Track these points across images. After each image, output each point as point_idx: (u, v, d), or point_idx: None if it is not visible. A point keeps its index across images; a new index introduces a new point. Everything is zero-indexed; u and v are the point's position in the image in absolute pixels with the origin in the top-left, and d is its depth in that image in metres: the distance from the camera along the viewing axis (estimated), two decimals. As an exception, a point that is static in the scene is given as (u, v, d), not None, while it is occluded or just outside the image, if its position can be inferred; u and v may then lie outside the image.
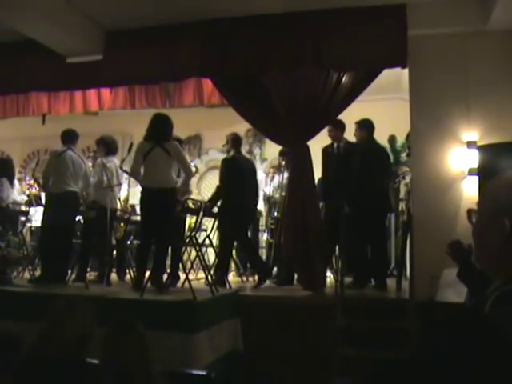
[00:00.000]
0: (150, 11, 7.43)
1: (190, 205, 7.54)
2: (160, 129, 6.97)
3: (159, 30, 7.73)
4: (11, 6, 7.00)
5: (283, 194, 8.19)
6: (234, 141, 8.16)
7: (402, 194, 9.52)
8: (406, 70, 7.10)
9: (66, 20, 7.49)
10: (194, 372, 3.71)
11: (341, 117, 7.60)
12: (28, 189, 11.41)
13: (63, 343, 3.35)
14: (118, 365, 3.12)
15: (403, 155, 10.31)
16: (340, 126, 7.98)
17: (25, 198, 9.73)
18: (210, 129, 11.94)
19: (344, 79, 7.35)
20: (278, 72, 7.55)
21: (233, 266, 9.16)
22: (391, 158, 10.53)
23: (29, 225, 9.92)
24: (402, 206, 9.37)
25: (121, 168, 7.64)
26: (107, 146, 8.02)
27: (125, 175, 8.11)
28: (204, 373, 3.87)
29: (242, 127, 10.52)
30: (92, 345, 3.48)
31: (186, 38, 7.71)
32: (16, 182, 9.88)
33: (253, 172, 8.31)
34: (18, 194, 9.72)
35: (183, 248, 7.55)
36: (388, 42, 6.87)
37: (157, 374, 3.25)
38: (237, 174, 7.93)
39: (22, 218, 9.26)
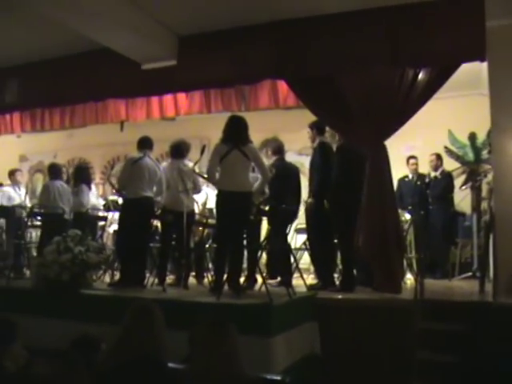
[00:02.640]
0: (222, 14, 7.44)
1: (264, 207, 7.49)
2: (237, 131, 6.89)
3: (232, 33, 7.74)
4: (87, 16, 7.16)
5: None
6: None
7: (484, 193, 9.22)
8: (485, 64, 6.86)
9: (139, 27, 7.59)
10: (268, 376, 3.64)
11: (418, 114, 7.37)
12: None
13: (140, 346, 3.37)
14: (206, 369, 3.10)
15: (484, 153, 10.03)
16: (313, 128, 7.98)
17: (102, 202, 9.95)
18: (286, 131, 11.86)
19: (420, 76, 7.15)
20: (354, 71, 7.43)
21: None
22: (471, 155, 10.29)
23: (110, 230, 10.14)
24: (484, 205, 9.07)
25: (193, 171, 7.67)
26: (180, 149, 8.08)
27: (201, 179, 8.14)
28: (279, 377, 3.82)
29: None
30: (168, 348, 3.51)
31: (260, 40, 7.70)
32: (93, 187, 10.14)
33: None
34: (96, 198, 9.96)
35: (260, 251, 7.52)
36: (465, 34, 6.61)
37: (243, 377, 3.21)
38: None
39: (101, 223, 9.46)
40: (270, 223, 7.78)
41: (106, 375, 3.25)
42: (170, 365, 3.51)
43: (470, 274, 8.65)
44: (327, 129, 7.98)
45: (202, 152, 7.44)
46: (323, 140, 7.93)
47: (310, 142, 8.15)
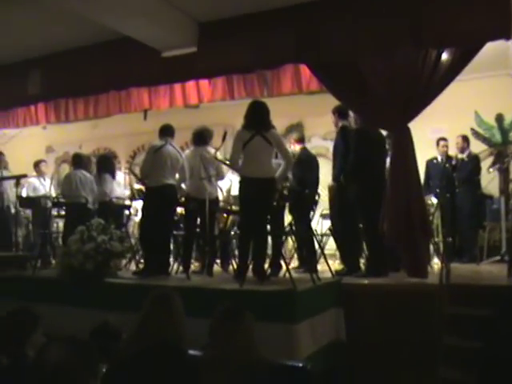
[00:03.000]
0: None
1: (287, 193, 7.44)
2: (259, 117, 6.83)
3: (252, 18, 7.67)
4: (107, 6, 7.16)
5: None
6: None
7: (512, 175, 9.09)
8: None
9: (159, 15, 7.57)
10: (289, 363, 3.61)
11: (443, 96, 7.23)
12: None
13: (160, 333, 3.36)
14: (223, 354, 3.08)
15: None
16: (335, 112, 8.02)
17: (127, 192, 9.98)
18: (311, 116, 11.79)
19: (443, 57, 7.01)
20: (375, 54, 7.32)
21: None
22: (498, 137, 10.11)
23: (136, 218, 10.17)
24: (511, 187, 8.93)
25: (215, 158, 7.64)
26: (203, 136, 8.05)
27: (225, 166, 8.12)
28: (300, 364, 3.78)
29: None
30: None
31: (280, 24, 7.61)
32: (119, 176, 10.18)
33: None
34: (121, 187, 9.99)
35: (284, 237, 7.48)
36: (489, 13, 6.44)
37: (262, 363, 3.18)
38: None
39: (127, 212, 9.49)
40: (291, 210, 7.75)
41: (126, 362, 3.24)
42: (191, 352, 3.49)
43: (498, 257, 8.51)
44: (351, 113, 7.91)
45: (224, 138, 7.40)
46: (345, 124, 7.86)
47: (333, 126, 8.10)
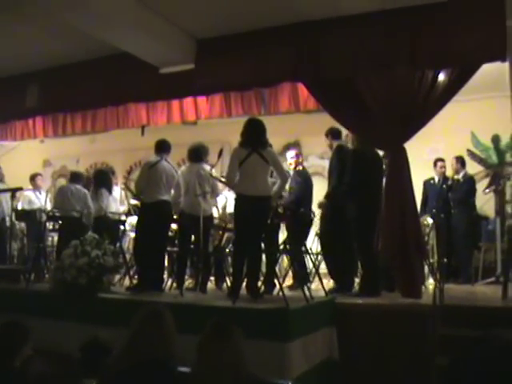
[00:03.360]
0: (239, 17, 7.45)
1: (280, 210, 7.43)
2: (256, 135, 6.83)
3: (250, 36, 7.74)
4: (105, 22, 7.21)
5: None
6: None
7: (508, 196, 9.09)
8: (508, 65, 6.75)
9: (157, 31, 7.65)
10: (278, 382, 3.59)
11: (441, 117, 7.26)
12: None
13: (149, 350, 3.33)
14: (211, 371, 3.06)
15: (508, 155, 9.89)
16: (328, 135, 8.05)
17: (123, 207, 9.96)
18: (308, 134, 11.80)
19: (440, 77, 7.06)
20: (372, 73, 7.36)
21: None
22: (495, 158, 10.14)
23: (132, 234, 10.13)
24: (507, 208, 8.93)
25: (211, 175, 7.65)
26: (198, 153, 8.04)
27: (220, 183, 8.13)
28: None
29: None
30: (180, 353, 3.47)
31: (277, 42, 7.69)
32: (115, 191, 10.17)
33: None
34: (117, 203, 9.97)
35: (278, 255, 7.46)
36: (485, 34, 6.53)
37: (251, 380, 3.16)
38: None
39: (122, 227, 9.47)
40: (287, 228, 7.75)
41: (115, 378, 3.22)
42: (181, 369, 3.47)
43: (493, 278, 8.50)
44: (346, 133, 7.94)
45: (220, 155, 7.42)
46: (341, 143, 7.88)
47: (329, 149, 8.14)
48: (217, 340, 3.12)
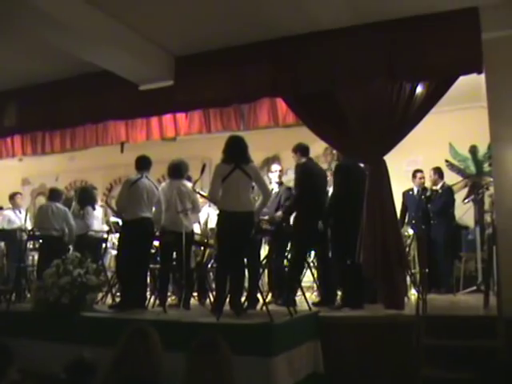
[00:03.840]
0: (217, 34, 7.46)
1: (265, 226, 7.46)
2: (239, 150, 6.89)
3: (228, 52, 7.75)
4: (83, 40, 7.20)
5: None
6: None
7: (487, 205, 9.16)
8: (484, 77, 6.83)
9: (136, 49, 7.64)
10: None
11: (419, 129, 7.32)
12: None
13: (136, 369, 3.32)
14: None
15: (486, 165, 9.97)
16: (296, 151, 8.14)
17: (105, 227, 9.89)
18: (288, 149, 11.80)
19: (418, 90, 7.13)
20: (350, 87, 7.41)
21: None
22: (473, 168, 10.23)
23: (113, 252, 10.08)
24: (486, 218, 9.01)
25: (194, 190, 7.64)
26: (179, 169, 8.04)
27: (201, 198, 8.13)
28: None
29: (319, 146, 10.41)
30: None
31: (256, 58, 7.70)
32: (98, 209, 10.12)
33: None
34: (98, 220, 9.92)
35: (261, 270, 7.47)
36: (462, 47, 6.60)
37: None
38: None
39: (104, 245, 9.42)
40: (269, 243, 7.78)
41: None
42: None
43: (474, 288, 8.58)
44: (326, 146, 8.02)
45: (202, 171, 7.42)
46: (303, 161, 8.02)
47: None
48: (205, 354, 3.12)
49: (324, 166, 10.77)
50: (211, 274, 8.90)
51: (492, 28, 6.59)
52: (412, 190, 9.95)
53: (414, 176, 9.96)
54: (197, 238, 8.56)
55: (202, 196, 7.86)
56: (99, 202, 11.52)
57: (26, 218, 10.39)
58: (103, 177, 13.89)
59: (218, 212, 7.05)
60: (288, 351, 5.78)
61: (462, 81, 7.02)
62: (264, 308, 6.34)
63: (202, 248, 8.63)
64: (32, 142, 10.94)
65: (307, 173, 7.87)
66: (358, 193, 7.33)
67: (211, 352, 3.14)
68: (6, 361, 3.68)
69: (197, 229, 8.86)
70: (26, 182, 15.00)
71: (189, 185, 7.89)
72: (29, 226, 10.14)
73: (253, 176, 6.83)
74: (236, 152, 6.86)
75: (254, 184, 7.01)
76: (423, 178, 9.94)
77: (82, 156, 12.70)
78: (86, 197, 9.57)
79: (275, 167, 8.93)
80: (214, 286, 8.14)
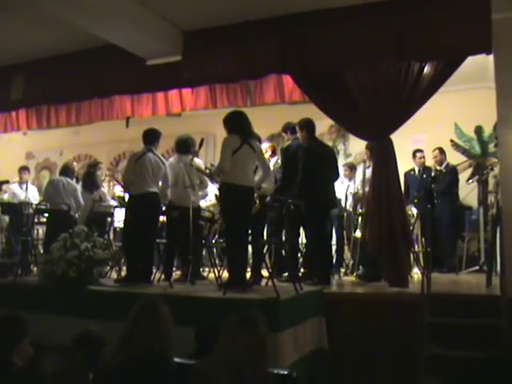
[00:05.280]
0: (226, 9, 7.43)
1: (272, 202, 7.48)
2: (246, 126, 6.87)
3: (237, 28, 7.73)
4: (91, 13, 7.18)
5: (367, 189, 8.08)
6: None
7: (491, 186, 9.20)
8: (492, 57, 6.81)
9: (143, 23, 7.62)
10: (275, 371, 3.63)
11: (424, 108, 7.33)
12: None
13: (146, 343, 3.36)
14: (229, 362, 3.11)
15: (491, 146, 9.99)
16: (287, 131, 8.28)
17: (111, 201, 9.90)
18: (293, 126, 11.81)
19: (426, 69, 7.12)
20: (359, 66, 7.40)
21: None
22: (478, 149, 10.24)
23: (115, 226, 10.11)
24: (490, 198, 9.05)
25: (191, 165, 7.62)
26: (186, 145, 8.04)
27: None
28: (286, 372, 3.81)
29: (325, 123, 10.42)
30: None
31: (265, 35, 7.69)
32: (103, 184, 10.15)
33: None
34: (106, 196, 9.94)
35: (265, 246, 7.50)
36: (471, 27, 6.59)
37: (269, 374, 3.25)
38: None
39: (109, 219, 9.45)
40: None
41: (111, 372, 3.25)
42: (176, 360, 3.51)
43: (477, 267, 8.63)
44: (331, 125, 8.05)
45: (201, 145, 7.36)
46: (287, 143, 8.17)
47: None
48: (247, 327, 3.21)
49: (329, 143, 10.79)
50: (215, 249, 8.96)
51: (502, 8, 6.55)
52: (413, 169, 9.98)
53: (414, 156, 9.98)
54: (204, 213, 8.59)
55: (200, 171, 7.76)
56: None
57: (27, 191, 10.41)
58: (108, 151, 13.92)
59: (221, 185, 6.94)
60: (293, 327, 5.83)
61: (469, 61, 7.02)
62: (269, 283, 6.40)
63: (208, 224, 8.66)
64: (37, 116, 10.90)
65: (289, 156, 7.97)
66: (325, 173, 7.65)
67: (252, 326, 3.21)
68: (21, 333, 3.73)
69: (203, 205, 8.90)
70: (30, 156, 15.01)
71: (197, 161, 7.87)
72: (33, 200, 10.17)
73: (257, 151, 6.85)
74: (245, 126, 6.84)
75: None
76: (423, 157, 9.97)
77: (87, 130, 12.70)
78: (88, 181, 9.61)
79: (264, 145, 8.86)
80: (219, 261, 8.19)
